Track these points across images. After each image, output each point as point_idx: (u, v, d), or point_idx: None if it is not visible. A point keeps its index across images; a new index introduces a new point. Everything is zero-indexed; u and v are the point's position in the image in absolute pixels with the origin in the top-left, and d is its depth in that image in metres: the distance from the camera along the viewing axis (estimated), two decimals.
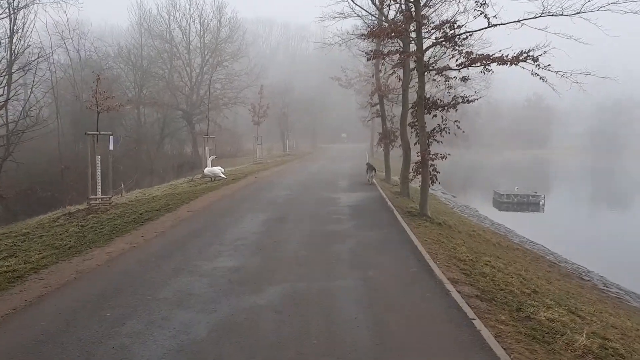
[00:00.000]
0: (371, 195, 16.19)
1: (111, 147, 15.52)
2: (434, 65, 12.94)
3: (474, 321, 5.15)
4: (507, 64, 11.62)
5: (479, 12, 11.51)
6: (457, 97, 13.12)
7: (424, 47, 12.74)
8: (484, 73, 12.11)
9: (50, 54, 31.47)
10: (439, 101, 13.38)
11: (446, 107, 13.33)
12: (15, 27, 25.67)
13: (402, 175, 18.19)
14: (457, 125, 13.40)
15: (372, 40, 14.91)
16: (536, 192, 32.45)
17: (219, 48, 51.73)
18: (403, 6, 13.66)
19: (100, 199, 15.24)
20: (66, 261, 7.69)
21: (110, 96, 15.73)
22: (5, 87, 25.32)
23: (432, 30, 13.22)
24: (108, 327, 4.86)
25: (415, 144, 13.56)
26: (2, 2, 25.01)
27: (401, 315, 5.31)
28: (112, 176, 16.32)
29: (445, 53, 13.39)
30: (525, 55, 11.24)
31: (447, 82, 12.87)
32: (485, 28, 11.80)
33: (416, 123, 13.71)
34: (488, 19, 11.41)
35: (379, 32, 12.59)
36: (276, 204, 13.77)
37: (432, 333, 4.91)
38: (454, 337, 4.79)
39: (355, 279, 6.64)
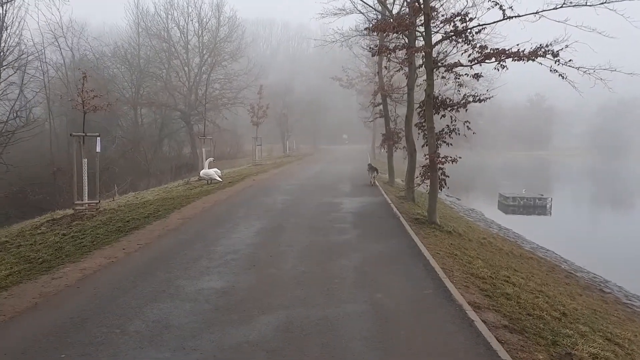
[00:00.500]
0: (375, 200, 15.27)
1: (98, 150, 14.61)
2: (443, 61, 12.02)
3: None
4: (523, 59, 10.70)
5: (493, 3, 10.60)
6: (468, 96, 12.23)
7: (433, 42, 11.82)
8: (498, 70, 11.17)
9: (42, 52, 30.56)
10: (448, 100, 12.48)
11: (456, 107, 12.45)
12: (4, 24, 24.73)
13: (407, 179, 17.27)
14: (467, 126, 12.54)
15: (377, 34, 14.00)
16: (542, 195, 31.54)
17: (218, 47, 50.81)
18: None
19: (87, 205, 14.36)
20: (32, 280, 6.77)
21: (97, 95, 14.80)
22: None
23: (441, 25, 12.33)
24: None
25: (423, 145, 12.63)
26: None
27: (420, 356, 4.39)
28: (100, 180, 15.50)
29: (454, 48, 12.44)
30: (544, 49, 10.33)
31: (457, 80, 11.97)
32: (500, 21, 10.88)
33: (424, 124, 12.80)
34: (503, 10, 10.49)
35: (384, 25, 11.68)
36: (274, 211, 12.84)
37: None
38: None
39: (361, 303, 5.72)
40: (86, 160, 14.27)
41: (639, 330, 8.06)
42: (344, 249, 8.49)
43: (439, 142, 12.33)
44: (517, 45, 10.41)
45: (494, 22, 10.99)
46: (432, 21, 11.83)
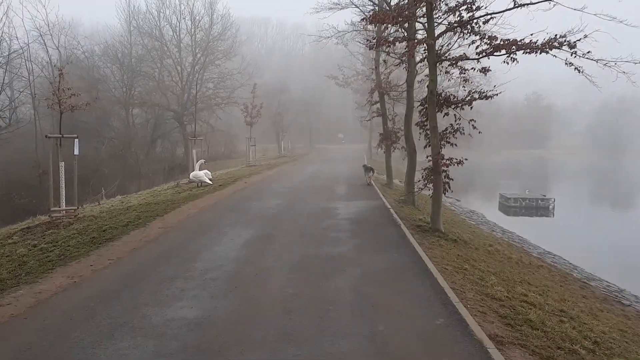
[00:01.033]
0: (373, 205, 14.29)
1: (77, 152, 13.59)
2: (447, 55, 11.05)
3: None
4: (536, 51, 9.75)
5: None
6: (474, 92, 11.27)
7: (436, 33, 10.85)
8: (507, 63, 10.21)
9: (27, 49, 29.43)
10: (452, 97, 11.53)
11: (460, 104, 11.49)
12: None
13: (407, 182, 16.34)
14: (472, 125, 11.59)
15: (375, 26, 13.05)
16: (545, 195, 30.65)
17: (211, 46, 49.77)
18: None
19: (64, 211, 13.35)
20: None
21: (75, 93, 13.78)
22: None
23: (444, 16, 11.36)
24: None
25: (425, 146, 11.67)
26: None
27: None
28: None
29: (460, 40, 11.46)
30: (559, 40, 9.38)
31: (463, 75, 11.01)
32: (510, 9, 9.92)
33: (426, 123, 11.84)
34: None
35: (382, 16, 10.69)
36: (264, 218, 11.85)
37: None
38: None
39: (360, 339, 4.74)
40: (63, 163, 13.27)
41: None
42: (339, 264, 7.51)
43: (442, 142, 11.38)
44: (532, 35, 9.44)
45: (504, 11, 10.02)
46: (434, 11, 10.87)
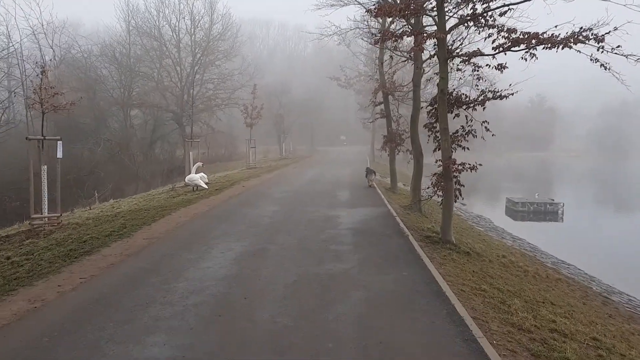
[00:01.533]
0: (377, 212, 13.35)
1: (60, 155, 12.68)
2: (458, 50, 10.13)
3: None
4: (558, 46, 8.83)
5: None
6: (487, 92, 10.36)
7: (447, 26, 9.93)
8: (525, 60, 9.29)
9: (19, 47, 28.60)
10: (464, 97, 10.62)
11: (473, 104, 10.59)
12: None
13: (413, 187, 15.42)
14: (485, 127, 10.69)
15: (380, 19, 12.12)
16: (553, 200, 29.68)
17: (211, 46, 48.92)
18: None
19: (46, 218, 12.45)
20: None
21: (58, 92, 12.90)
22: None
23: (454, 10, 10.44)
24: None
25: (435, 150, 10.74)
26: None
27: None
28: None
29: (471, 36, 10.57)
30: (585, 33, 8.45)
31: (476, 72, 10.09)
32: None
33: (435, 124, 10.94)
34: None
35: (389, 8, 9.77)
36: (259, 227, 10.92)
37: None
38: None
39: None
40: (45, 167, 12.38)
41: None
42: (341, 286, 6.59)
43: (453, 145, 10.46)
44: (557, 26, 8.51)
45: (523, 1, 9.09)
46: (445, 3, 9.96)
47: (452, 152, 10.27)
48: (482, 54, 9.52)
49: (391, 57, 12.78)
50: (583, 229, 26.30)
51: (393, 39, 9.54)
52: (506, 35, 8.79)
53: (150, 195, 20.42)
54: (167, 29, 48.40)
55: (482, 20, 9.57)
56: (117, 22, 61.76)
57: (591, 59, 8.71)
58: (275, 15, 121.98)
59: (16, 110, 34.88)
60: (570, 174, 63.65)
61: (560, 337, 5.63)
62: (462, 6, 9.71)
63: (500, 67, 9.44)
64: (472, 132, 10.72)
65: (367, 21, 19.32)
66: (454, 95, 10.54)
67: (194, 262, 7.82)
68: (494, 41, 9.06)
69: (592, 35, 8.39)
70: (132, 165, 40.69)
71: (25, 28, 31.10)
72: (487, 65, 9.63)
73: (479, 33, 9.42)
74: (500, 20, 9.63)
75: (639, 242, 23.14)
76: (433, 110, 10.91)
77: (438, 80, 10.09)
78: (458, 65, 10.40)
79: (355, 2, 19.12)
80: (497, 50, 9.17)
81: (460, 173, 9.89)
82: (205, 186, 19.14)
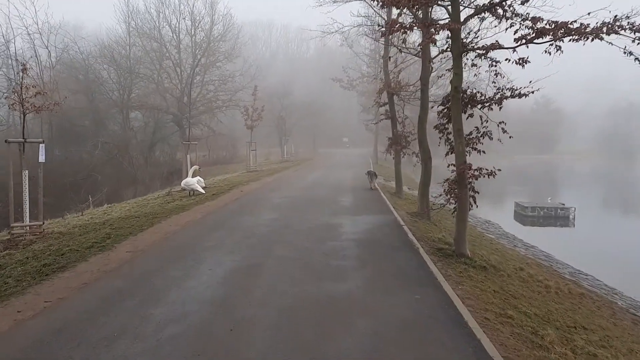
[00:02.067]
0: (383, 220, 12.40)
1: (42, 159, 11.78)
2: (474, 43, 9.17)
3: None
4: (586, 37, 7.89)
5: None
6: (505, 90, 9.43)
7: (462, 17, 8.99)
8: (549, 54, 8.34)
9: (12, 46, 27.77)
10: (479, 95, 9.68)
11: (489, 104, 9.66)
12: None
13: (421, 192, 14.46)
14: (502, 129, 9.78)
15: (386, 8, 11.20)
16: (564, 204, 28.65)
17: (212, 47, 48.12)
18: None
19: (28, 227, 11.56)
20: None
21: (41, 92, 12.01)
22: None
23: None
24: None
25: (447, 154, 9.81)
26: None
27: None
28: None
29: (485, 29, 9.59)
30: (619, 23, 7.51)
31: (494, 68, 9.14)
32: None
33: (447, 125, 10.01)
34: None
35: None
36: (254, 237, 9.98)
37: None
38: None
39: None
40: (27, 172, 11.47)
41: None
42: (344, 312, 5.64)
43: (467, 149, 9.52)
44: (591, 13, 7.57)
45: None
46: None
47: (467, 155, 9.33)
48: (502, 47, 8.56)
49: (400, 50, 11.83)
50: (596, 235, 25.30)
51: (402, 30, 8.61)
52: (531, 24, 7.85)
53: (144, 200, 19.50)
54: (167, 30, 47.71)
55: (500, 11, 8.66)
56: (117, 23, 60.95)
57: (624, 52, 7.78)
58: (278, 17, 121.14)
59: (9, 111, 34.07)
60: (578, 177, 62.57)
61: None
62: None
63: (522, 62, 8.47)
64: (488, 133, 9.80)
65: (371, 16, 18.44)
66: (468, 93, 9.61)
67: (178, 280, 6.89)
68: (516, 31, 8.12)
69: (628, 24, 7.45)
70: (131, 168, 39.84)
71: (20, 27, 30.22)
72: (506, 59, 8.67)
73: (498, 23, 8.46)
74: (520, 10, 8.71)
75: None
76: (445, 110, 9.99)
77: (451, 77, 9.13)
78: (473, 60, 9.47)
79: None
80: (519, 42, 8.23)
81: (476, 179, 8.94)
82: (203, 191, 18.24)
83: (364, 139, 74.83)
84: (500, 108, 9.90)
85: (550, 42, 8.23)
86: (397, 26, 8.63)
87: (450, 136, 10.09)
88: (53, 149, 35.27)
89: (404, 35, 9.06)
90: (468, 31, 9.19)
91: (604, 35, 7.70)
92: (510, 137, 10.15)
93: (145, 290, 6.49)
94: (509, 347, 4.90)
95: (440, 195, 9.84)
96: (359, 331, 5.10)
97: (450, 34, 8.97)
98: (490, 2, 8.69)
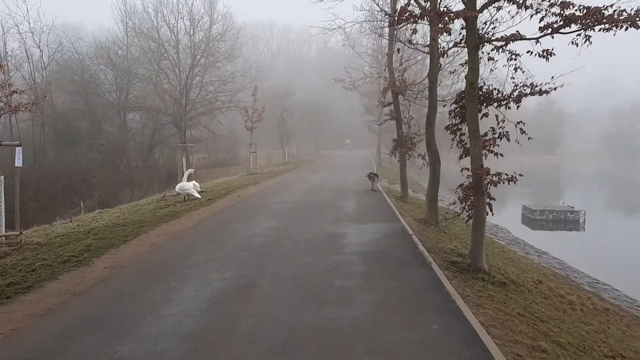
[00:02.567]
0: (390, 229, 11.44)
1: (19, 164, 10.87)
2: (491, 34, 8.23)
3: None
4: (620, 25, 6.96)
5: None
6: (523, 86, 8.50)
7: (479, 4, 8.05)
8: (576, 45, 7.40)
9: (2, 42, 26.88)
10: (495, 92, 8.75)
11: (506, 101, 8.75)
12: None
13: (429, 197, 13.52)
14: (520, 129, 8.89)
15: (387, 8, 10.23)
16: (573, 207, 27.67)
17: (211, 47, 47.24)
18: None
19: (4, 238, 10.64)
20: None
21: (17, 91, 11.13)
22: None
23: None
24: None
25: (461, 157, 8.88)
26: None
27: None
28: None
29: (508, 15, 8.63)
30: None
31: (513, 62, 8.20)
32: None
33: (460, 126, 9.09)
34: None
35: None
36: (248, 251, 9.03)
37: None
38: None
39: None
40: (2, 177, 10.56)
41: None
42: (350, 350, 4.68)
43: (484, 151, 8.58)
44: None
45: None
46: None
47: (484, 158, 8.40)
48: (523, 38, 7.61)
49: (409, 42, 10.90)
50: (608, 240, 24.36)
51: (412, 20, 7.69)
52: (559, 10, 6.90)
53: (137, 205, 18.59)
54: (166, 30, 46.84)
55: None
56: (114, 23, 59.91)
57: None
58: (279, 17, 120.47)
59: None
60: (584, 178, 61.58)
61: None
62: None
63: (547, 54, 7.54)
64: (505, 134, 8.87)
65: (374, 11, 17.51)
66: (484, 90, 8.68)
67: (155, 306, 5.95)
68: (541, 19, 7.17)
69: None
70: (128, 171, 38.95)
71: (11, 26, 29.35)
72: (528, 52, 7.72)
73: (519, 11, 7.50)
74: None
75: None
76: (458, 109, 9.06)
77: (467, 72, 8.19)
78: (489, 53, 8.53)
79: None
80: (543, 32, 7.28)
81: (495, 186, 7.99)
82: (198, 195, 17.34)
83: (366, 141, 73.95)
84: (518, 107, 9.01)
85: (579, 32, 7.30)
86: (406, 15, 7.71)
87: (464, 137, 9.18)
88: (48, 151, 34.43)
89: (414, 24, 8.12)
90: (484, 21, 8.23)
91: None
92: (529, 139, 9.26)
93: (116, 319, 5.55)
94: None
95: (455, 203, 8.88)
96: None
97: (465, 24, 8.04)
98: None
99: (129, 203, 22.35)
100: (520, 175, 8.02)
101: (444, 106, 10.89)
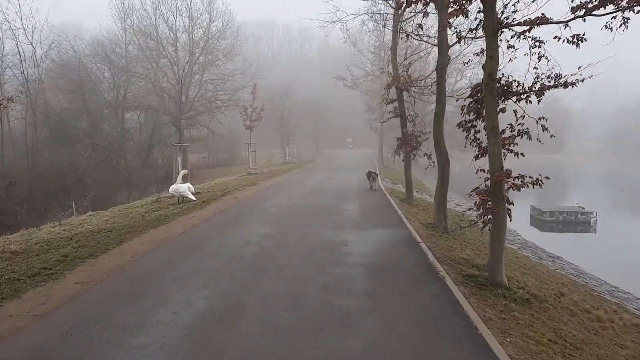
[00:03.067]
0: (396, 236, 10.50)
1: None
2: (511, 19, 7.29)
3: None
4: None
5: None
6: (546, 78, 7.58)
7: None
8: (610, 29, 6.49)
9: None
10: (515, 84, 7.83)
11: (527, 95, 7.84)
12: None
13: (438, 201, 12.58)
14: (542, 126, 7.99)
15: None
16: (584, 208, 26.71)
17: (210, 45, 46.34)
18: None
19: None
20: None
21: None
22: None
23: None
24: None
25: (477, 157, 7.96)
26: None
27: None
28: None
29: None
30: None
31: (537, 50, 7.27)
32: None
33: (475, 122, 8.17)
34: None
35: None
36: (239, 262, 8.10)
37: None
38: None
39: None
40: None
41: None
42: None
43: (502, 150, 7.65)
44: None
45: None
46: None
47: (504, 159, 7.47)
48: (550, 22, 6.68)
49: (412, 35, 9.99)
50: (621, 242, 23.37)
51: (422, 1, 6.76)
52: None
53: (130, 207, 17.68)
54: (164, 27, 45.93)
55: None
56: (112, 21, 58.82)
57: None
58: (279, 16, 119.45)
59: None
60: (591, 178, 60.55)
61: None
62: None
63: (577, 39, 6.61)
64: (526, 132, 7.95)
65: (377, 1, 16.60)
66: (502, 82, 7.75)
67: (125, 334, 5.04)
68: None
69: None
70: (125, 171, 38.06)
71: (2, 21, 28.44)
72: (555, 38, 6.79)
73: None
74: None
75: None
76: (472, 103, 8.13)
77: (485, 61, 7.24)
78: (509, 41, 7.60)
79: None
80: (575, 14, 6.35)
81: (519, 190, 7.06)
82: (193, 197, 16.46)
83: (368, 140, 73.04)
84: (539, 101, 8.13)
85: (614, 15, 6.38)
86: None
87: (479, 135, 8.27)
88: (42, 151, 33.57)
89: (425, 5, 7.18)
90: (504, 3, 7.29)
91: None
92: (552, 137, 8.37)
93: (75, 349, 4.64)
94: None
95: (470, 209, 7.94)
96: None
97: (482, 7, 7.10)
98: None
99: (121, 205, 21.49)
100: (547, 178, 7.08)
101: (457, 100, 9.95)
